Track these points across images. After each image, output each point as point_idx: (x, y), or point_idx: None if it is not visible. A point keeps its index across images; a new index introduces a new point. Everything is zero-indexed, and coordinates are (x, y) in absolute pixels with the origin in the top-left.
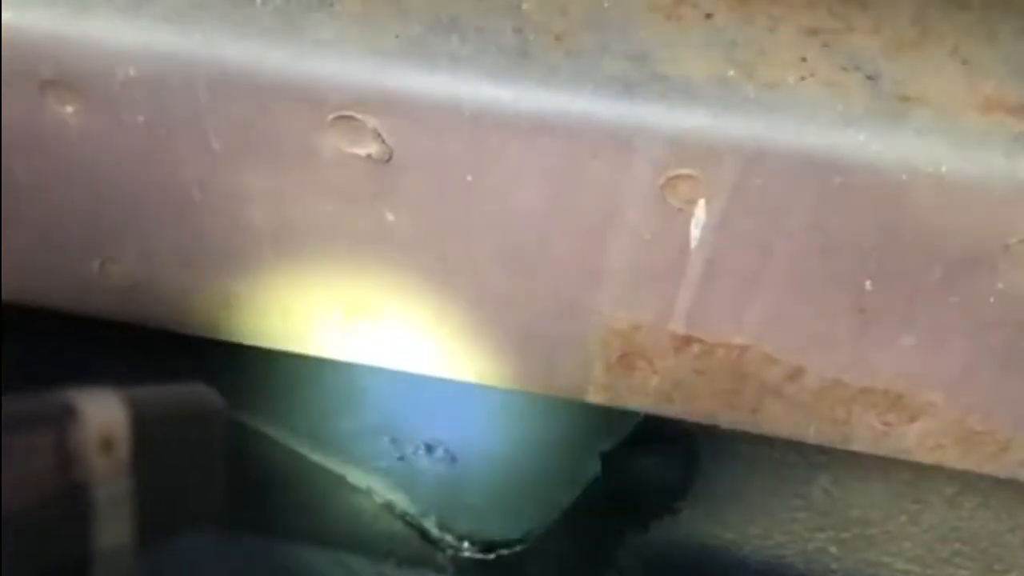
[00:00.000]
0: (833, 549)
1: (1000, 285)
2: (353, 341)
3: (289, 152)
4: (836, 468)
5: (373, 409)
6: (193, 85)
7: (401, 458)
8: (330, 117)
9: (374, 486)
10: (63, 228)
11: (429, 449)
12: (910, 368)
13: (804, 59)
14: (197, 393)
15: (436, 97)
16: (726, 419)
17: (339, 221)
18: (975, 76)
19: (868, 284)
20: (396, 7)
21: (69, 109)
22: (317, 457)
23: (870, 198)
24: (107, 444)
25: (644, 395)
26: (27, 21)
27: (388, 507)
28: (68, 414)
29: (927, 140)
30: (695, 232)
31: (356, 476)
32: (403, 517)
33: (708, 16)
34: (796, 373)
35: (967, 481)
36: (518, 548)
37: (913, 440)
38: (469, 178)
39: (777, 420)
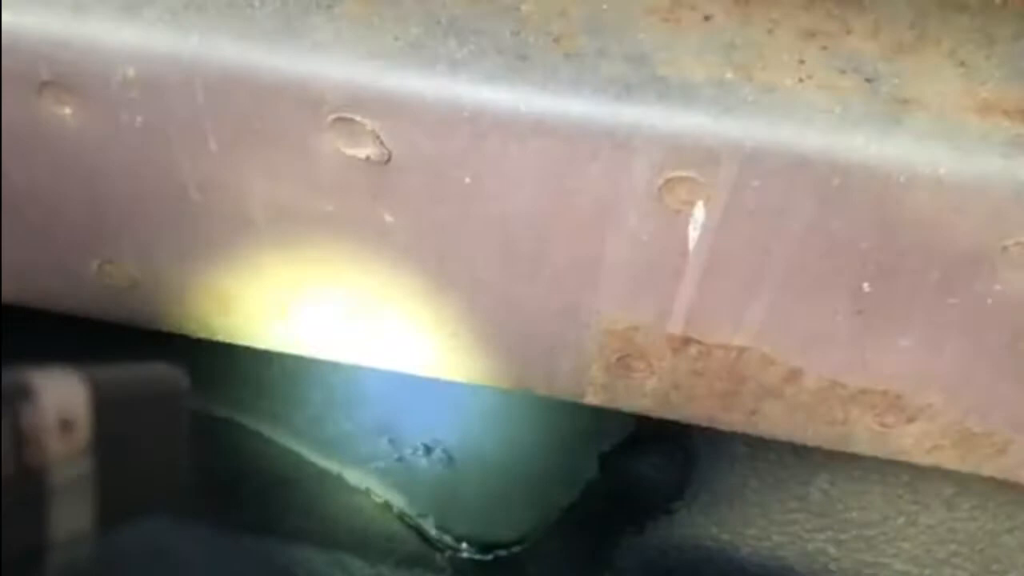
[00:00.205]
0: (831, 550)
1: (998, 287)
2: (352, 342)
3: (288, 153)
4: (834, 469)
5: (372, 410)
6: (191, 86)
7: (399, 459)
8: (329, 119)
9: (372, 486)
10: (61, 229)
11: (427, 450)
12: (908, 369)
13: (802, 61)
14: (160, 373)
15: (435, 99)
16: (724, 420)
17: (338, 222)
18: (973, 79)
19: (866, 286)
20: (395, 9)
21: (67, 110)
22: (316, 458)
23: (868, 200)
24: (66, 426)
25: (642, 396)
26: (25, 22)
27: (386, 507)
28: (24, 394)
29: (925, 142)
30: (693, 234)
31: (355, 476)
32: (401, 517)
33: (706, 18)
34: (794, 374)
35: (965, 482)
36: (516, 549)
37: (911, 441)
38: (468, 180)
39: (775, 421)
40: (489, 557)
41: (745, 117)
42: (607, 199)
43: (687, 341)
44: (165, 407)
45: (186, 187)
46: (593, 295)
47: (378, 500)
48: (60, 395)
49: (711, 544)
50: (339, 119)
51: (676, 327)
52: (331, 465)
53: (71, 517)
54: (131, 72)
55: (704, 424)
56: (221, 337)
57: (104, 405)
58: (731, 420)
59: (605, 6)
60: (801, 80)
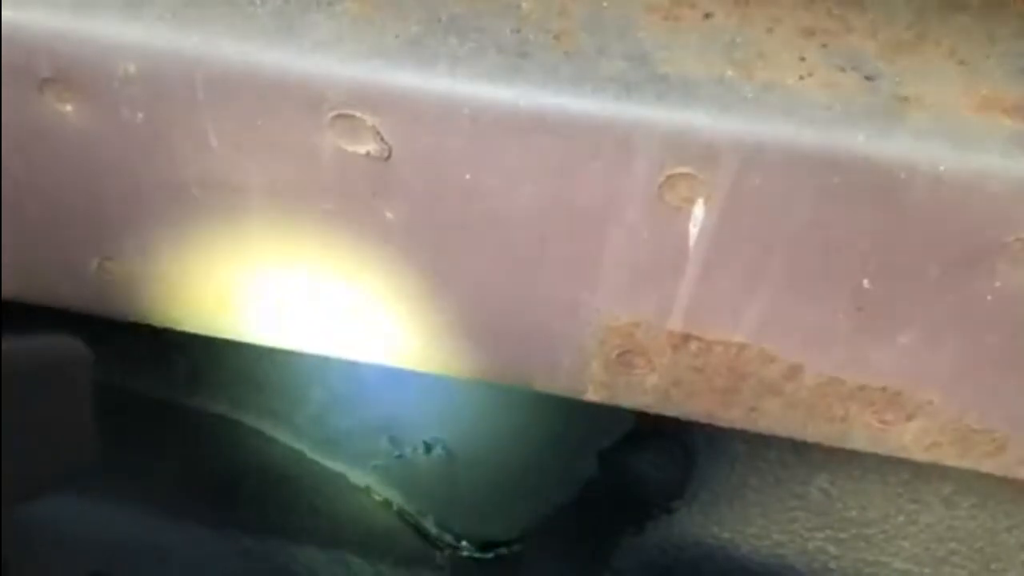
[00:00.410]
0: (831, 548)
1: (998, 283)
2: (353, 339)
3: (288, 150)
4: (834, 468)
5: (372, 408)
6: (192, 83)
7: (399, 457)
8: (329, 116)
9: (372, 485)
10: (62, 226)
11: (427, 448)
12: (908, 366)
13: (803, 59)
14: (63, 343)
15: (435, 96)
16: (724, 417)
17: (338, 219)
18: (972, 76)
19: (866, 282)
20: (395, 7)
21: (68, 107)
22: (316, 456)
23: (868, 197)
24: None
25: (642, 393)
26: (27, 19)
27: (386, 505)
28: None
29: (925, 140)
30: (693, 231)
31: (355, 475)
32: (401, 515)
33: (707, 16)
34: (794, 371)
35: (964, 481)
36: (515, 547)
37: (910, 438)
38: (468, 177)
39: (775, 418)
40: (489, 555)
41: (745, 115)
42: (607, 196)
43: (687, 338)
44: (68, 377)
45: (187, 184)
46: (593, 292)
47: (378, 498)
48: None
49: (711, 543)
50: (340, 116)
51: (676, 324)
52: (331, 463)
53: None
54: (132, 69)
55: (704, 421)
56: (222, 334)
57: (6, 376)
58: (731, 417)
59: (605, 4)
60: (801, 78)
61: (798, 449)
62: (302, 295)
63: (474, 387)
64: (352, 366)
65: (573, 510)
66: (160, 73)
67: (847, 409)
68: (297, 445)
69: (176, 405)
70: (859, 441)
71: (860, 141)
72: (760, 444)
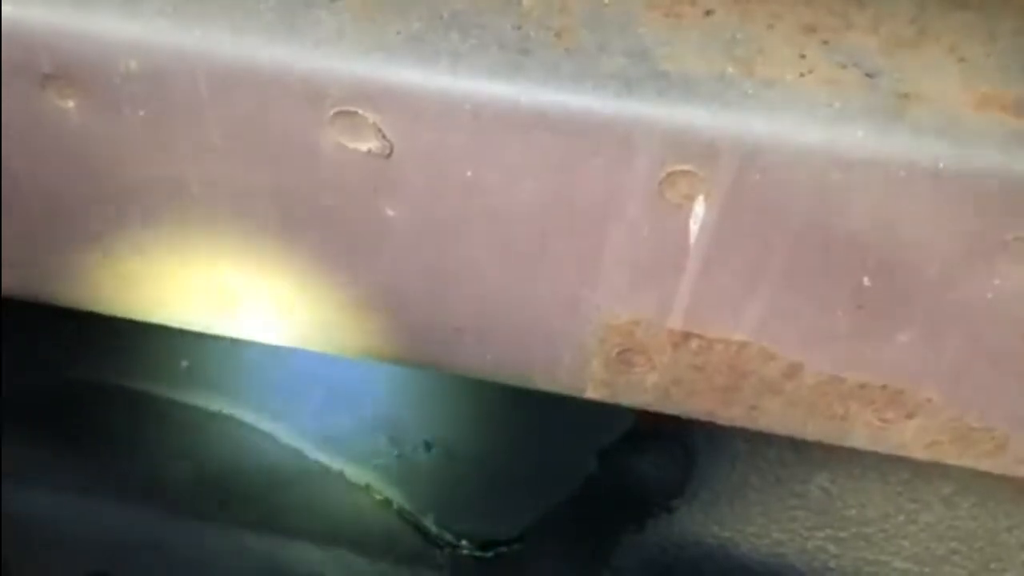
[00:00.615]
0: (831, 547)
1: (997, 281)
2: (353, 335)
3: (290, 147)
4: (834, 467)
5: (372, 407)
6: (194, 80)
7: (399, 455)
8: (331, 112)
9: (373, 483)
10: (63, 222)
11: (427, 447)
12: (907, 364)
13: (803, 56)
14: None
15: (436, 93)
16: (724, 416)
17: (339, 216)
18: (973, 74)
19: (866, 280)
20: (396, 3)
21: (70, 103)
22: (316, 454)
23: (868, 194)
24: None
25: (642, 391)
26: (28, 15)
27: (386, 504)
28: None
29: (925, 137)
30: (694, 228)
31: (355, 473)
32: (401, 514)
33: (707, 13)
34: (794, 369)
35: (964, 480)
36: (516, 546)
37: (910, 436)
38: (469, 174)
39: (775, 417)
40: (489, 554)
41: (746, 111)
42: (608, 193)
43: (687, 336)
44: None
45: (188, 180)
46: (593, 289)
47: (378, 497)
48: None
49: (711, 542)
50: (341, 112)
51: (676, 322)
52: (331, 462)
53: None
54: (133, 65)
55: (704, 419)
56: (222, 332)
57: None
58: (731, 415)
59: (606, 1)
60: (802, 75)
61: (798, 448)
62: (304, 293)
63: (474, 384)
64: (353, 365)
65: (573, 509)
66: (161, 69)
67: (847, 407)
68: (297, 444)
69: (176, 403)
70: (859, 439)
71: (860, 138)
72: (760, 443)
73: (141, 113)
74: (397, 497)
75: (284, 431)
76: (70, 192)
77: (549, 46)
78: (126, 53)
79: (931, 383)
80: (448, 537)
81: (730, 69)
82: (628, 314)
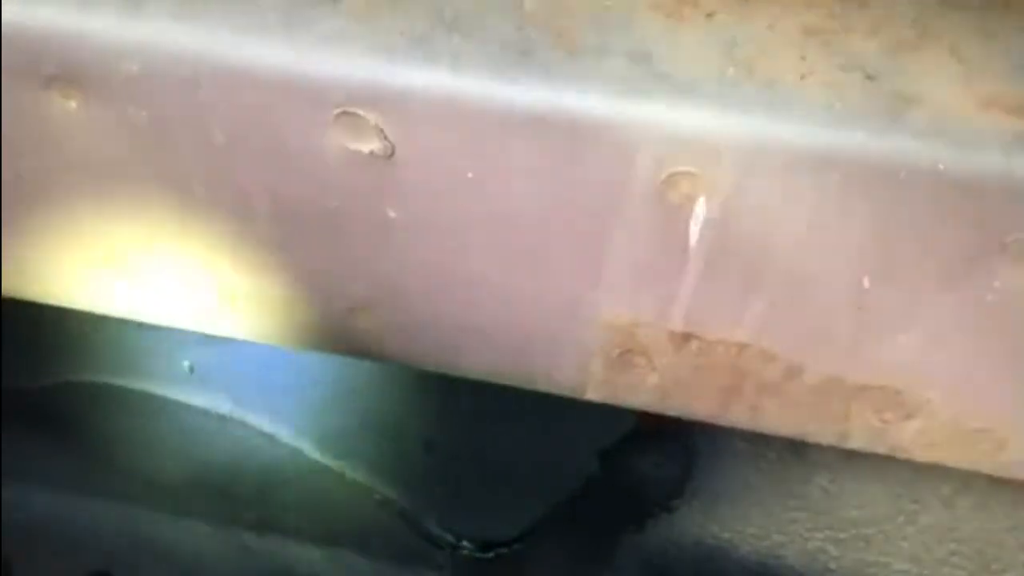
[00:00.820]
0: (831, 548)
1: (997, 283)
2: (351, 336)
3: (292, 148)
4: (834, 468)
5: (372, 406)
6: (196, 81)
7: (400, 455)
8: (333, 113)
9: (373, 483)
10: (65, 223)
11: (427, 446)
12: (908, 366)
13: (804, 58)
14: None
15: (438, 94)
16: (725, 417)
17: (341, 217)
18: (973, 76)
19: (866, 282)
20: (399, 4)
21: (72, 104)
22: (317, 454)
23: (868, 196)
24: None
25: (643, 392)
26: (31, 16)
27: (387, 504)
28: None
29: (925, 139)
30: (694, 229)
31: (355, 473)
32: (402, 514)
33: (708, 15)
34: (795, 371)
35: (964, 481)
36: (516, 546)
37: (910, 438)
38: (470, 175)
39: (775, 418)
40: (489, 554)
41: (746, 113)
42: (609, 194)
43: (688, 337)
44: None
45: (190, 182)
46: (594, 290)
47: (378, 497)
48: None
49: (711, 542)
50: (343, 113)
51: (677, 323)
52: (332, 462)
53: None
54: (136, 67)
55: (704, 420)
56: (223, 332)
57: None
58: (731, 416)
59: (608, 3)
60: (802, 76)
61: (798, 449)
62: (304, 293)
63: (475, 385)
64: (353, 365)
65: (574, 509)
66: (164, 70)
67: (847, 408)
68: (297, 444)
69: (177, 403)
70: (859, 441)
71: (861, 139)
72: (760, 443)
73: (144, 114)
74: (397, 497)
75: (284, 431)
76: (72, 192)
77: (551, 47)
78: (129, 54)
79: (931, 384)
80: (448, 537)
81: (731, 70)
82: (629, 315)
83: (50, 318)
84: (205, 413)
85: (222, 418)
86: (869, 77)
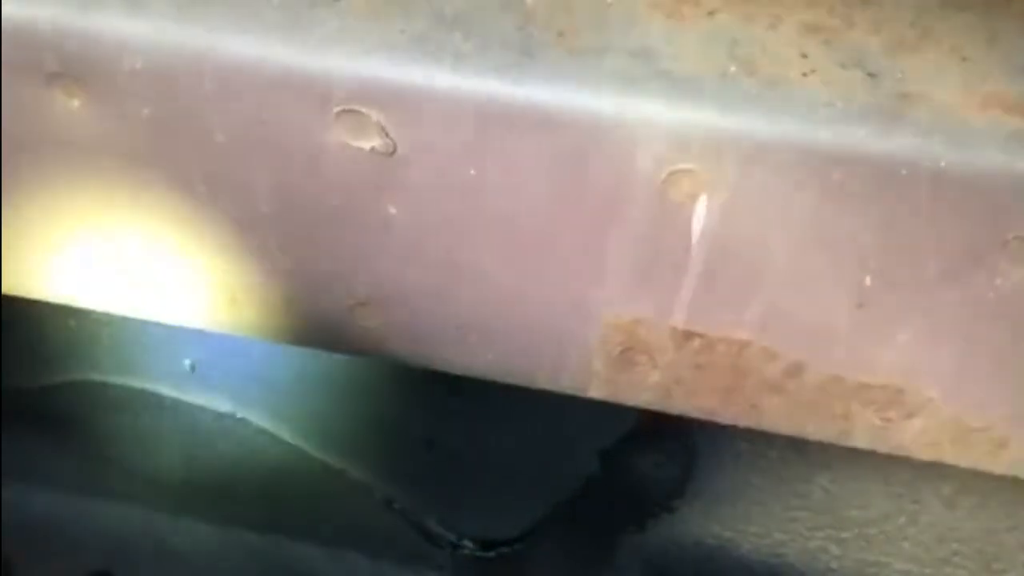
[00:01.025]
0: (832, 548)
1: (998, 281)
2: (353, 334)
3: (294, 145)
4: (836, 468)
5: (372, 405)
6: (199, 78)
7: (401, 454)
8: (335, 111)
9: (374, 482)
10: (67, 221)
11: (428, 446)
12: (909, 364)
13: (805, 56)
14: None
15: (440, 92)
16: (726, 415)
17: (342, 214)
18: (974, 74)
19: (867, 280)
20: (401, 3)
21: (75, 102)
22: (318, 453)
23: (870, 194)
24: None
25: (645, 390)
26: (33, 13)
27: (388, 504)
28: None
29: (926, 137)
30: (696, 227)
31: (356, 473)
32: (403, 514)
33: (710, 14)
34: (796, 368)
35: (965, 481)
36: (517, 546)
37: (911, 436)
38: (472, 173)
39: (777, 416)
40: (490, 554)
41: (748, 111)
42: (610, 193)
43: (690, 335)
44: None
45: (192, 179)
46: (596, 289)
47: (379, 496)
48: None
49: (712, 542)
50: (345, 111)
51: (679, 321)
52: (332, 461)
53: None
54: (138, 64)
55: (705, 418)
56: (226, 330)
57: None
58: (733, 414)
59: (609, 1)
60: (804, 75)
61: (799, 448)
62: (306, 290)
63: (475, 384)
64: (354, 363)
65: (575, 508)
66: (166, 68)
67: (848, 407)
68: (298, 443)
69: (178, 402)
70: (860, 439)
71: (862, 138)
72: (762, 442)
73: (146, 112)
74: (398, 496)
75: (285, 430)
76: (74, 190)
77: (552, 46)
78: (131, 52)
79: (932, 383)
80: (449, 536)
81: (732, 69)
82: (630, 313)
83: (50, 317)
84: (206, 412)
85: (223, 417)
86: (870, 75)
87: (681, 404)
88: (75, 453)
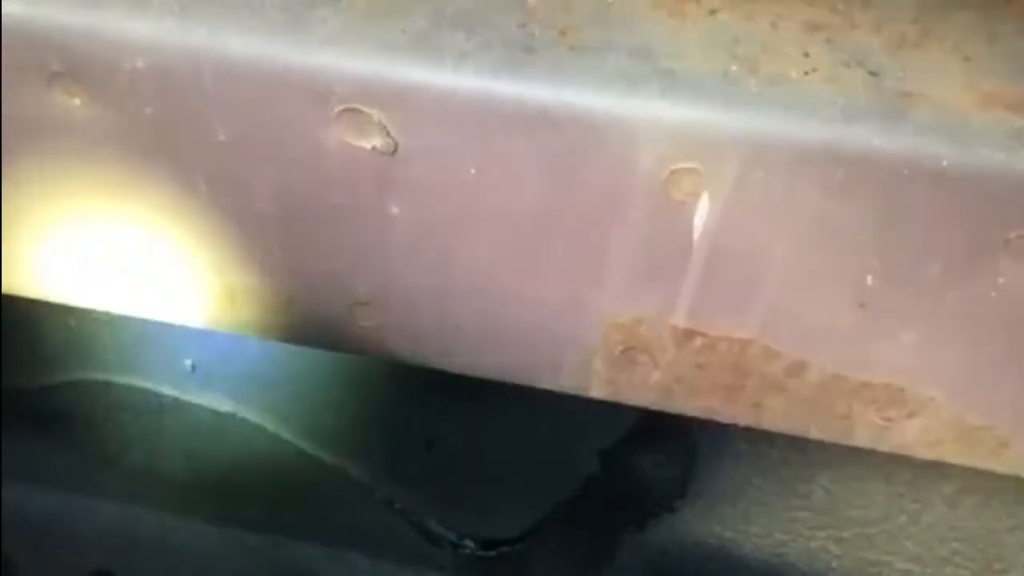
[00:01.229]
0: (833, 548)
1: (1000, 280)
2: (353, 333)
3: (295, 144)
4: (837, 467)
5: (373, 405)
6: (200, 77)
7: (401, 454)
8: (336, 110)
9: (375, 482)
10: (68, 220)
11: (428, 445)
12: (910, 363)
13: (807, 55)
14: None
15: (441, 91)
16: (727, 414)
17: (343, 213)
18: (976, 73)
19: (869, 279)
20: (401, 2)
21: (76, 101)
22: (319, 453)
23: (871, 193)
24: None
25: (646, 390)
26: (35, 12)
27: (388, 504)
28: None
29: (928, 135)
30: (698, 225)
31: (356, 472)
32: (403, 514)
33: (711, 12)
34: (797, 368)
35: (967, 481)
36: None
37: (913, 436)
38: (473, 171)
39: (778, 415)
40: (491, 553)
41: (750, 109)
42: (612, 191)
43: (691, 334)
44: None
45: (194, 178)
46: (597, 287)
47: (380, 496)
48: None
49: (713, 542)
50: (346, 110)
51: (680, 320)
52: (333, 461)
53: None
54: (140, 63)
55: (706, 418)
56: (225, 329)
57: None
58: (734, 414)
59: (611, 0)
60: (806, 73)
61: (801, 447)
62: (308, 289)
63: (476, 384)
64: (355, 361)
65: (575, 508)
66: (168, 67)
67: (850, 406)
68: (299, 441)
69: (179, 402)
70: (862, 438)
71: (863, 136)
72: (763, 442)
73: (147, 111)
74: (399, 496)
75: (286, 430)
76: (75, 190)
77: (553, 44)
78: (133, 51)
79: (934, 382)
80: (450, 536)
81: (734, 67)
82: (631, 312)
83: (50, 317)
84: (207, 411)
85: (223, 416)
86: (872, 74)
87: (682, 403)
88: (75, 453)
